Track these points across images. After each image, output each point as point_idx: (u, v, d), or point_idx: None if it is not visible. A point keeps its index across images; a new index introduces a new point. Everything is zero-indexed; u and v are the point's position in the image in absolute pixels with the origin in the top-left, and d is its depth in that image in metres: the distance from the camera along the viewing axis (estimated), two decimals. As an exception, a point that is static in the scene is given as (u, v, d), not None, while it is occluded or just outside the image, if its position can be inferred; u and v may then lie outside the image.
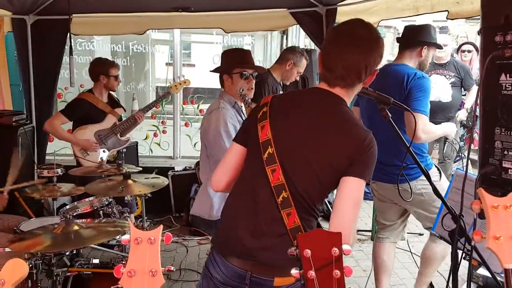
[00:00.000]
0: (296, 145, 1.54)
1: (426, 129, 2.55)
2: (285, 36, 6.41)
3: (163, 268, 0.95)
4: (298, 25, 4.85)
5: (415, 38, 2.74)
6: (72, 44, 4.82)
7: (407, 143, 1.75)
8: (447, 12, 3.00)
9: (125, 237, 0.99)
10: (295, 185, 1.52)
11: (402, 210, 2.92)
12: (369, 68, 1.54)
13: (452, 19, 3.01)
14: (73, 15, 4.10)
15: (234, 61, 2.57)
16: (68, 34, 2.93)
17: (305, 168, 1.52)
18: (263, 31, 5.93)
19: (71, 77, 2.78)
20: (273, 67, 3.79)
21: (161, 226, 1.00)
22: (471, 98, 4.83)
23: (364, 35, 1.54)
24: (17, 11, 4.11)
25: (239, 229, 1.58)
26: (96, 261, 2.46)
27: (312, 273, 0.96)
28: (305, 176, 1.52)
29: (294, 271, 0.99)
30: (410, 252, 3.89)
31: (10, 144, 3.61)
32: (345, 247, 0.99)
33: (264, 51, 7.47)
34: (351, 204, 1.49)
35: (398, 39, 2.84)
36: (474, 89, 4.84)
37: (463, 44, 5.56)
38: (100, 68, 3.63)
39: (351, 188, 1.49)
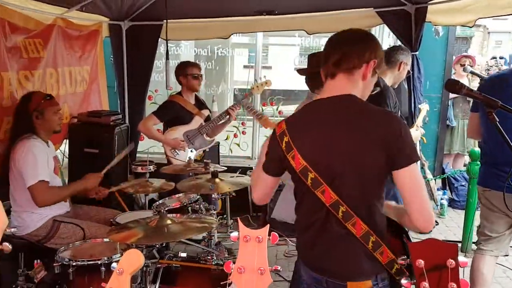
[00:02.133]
0: (331, 159, 1.52)
1: None
2: (367, 37, 6.22)
3: (271, 267, 0.97)
4: (382, 25, 4.71)
5: None
6: (163, 49, 5.10)
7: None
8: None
9: (234, 234, 1.02)
10: (348, 196, 1.52)
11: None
12: None
13: None
14: (164, 20, 4.32)
15: None
16: (165, 38, 3.07)
17: (350, 176, 1.51)
18: (346, 31, 5.79)
19: (166, 80, 2.93)
20: (382, 72, 3.22)
21: (268, 226, 1.02)
22: None
23: None
24: (115, 17, 4.40)
25: (314, 250, 1.64)
26: (183, 254, 2.56)
27: (425, 285, 0.91)
28: (354, 182, 1.51)
29: (404, 281, 0.95)
30: (505, 266, 3.59)
31: (108, 142, 3.88)
32: (461, 259, 0.94)
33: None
34: (421, 190, 1.48)
35: None
36: None
37: None
38: (180, 70, 3.77)
39: (410, 177, 1.47)
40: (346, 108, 1.54)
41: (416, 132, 3.42)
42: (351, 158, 1.50)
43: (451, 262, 0.93)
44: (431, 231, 4.72)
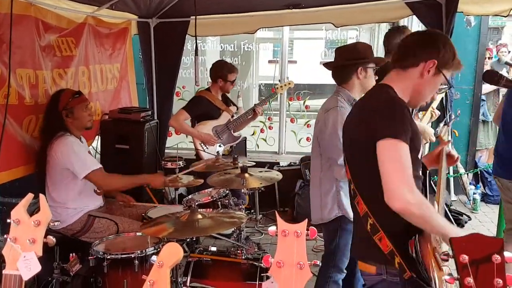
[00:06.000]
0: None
1: None
2: (394, 28, 6.09)
3: (310, 262, 0.96)
4: (409, 17, 4.60)
5: None
6: (188, 45, 5.13)
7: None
8: None
9: (272, 228, 1.02)
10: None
11: None
12: None
13: None
14: (191, 17, 4.34)
15: (368, 54, 2.44)
16: (193, 35, 3.10)
17: (368, 182, 1.55)
18: (375, 23, 5.69)
19: (196, 76, 2.95)
20: None
21: (306, 220, 1.01)
22: None
23: None
24: (143, 15, 4.46)
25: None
26: (213, 248, 2.58)
27: (470, 280, 0.89)
28: (372, 189, 1.53)
29: (447, 277, 0.93)
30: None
31: (138, 138, 3.94)
32: (507, 254, 0.91)
33: (371, 44, 7.19)
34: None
35: None
36: None
37: None
38: (220, 73, 3.87)
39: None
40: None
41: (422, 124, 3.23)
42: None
43: (496, 258, 0.90)
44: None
